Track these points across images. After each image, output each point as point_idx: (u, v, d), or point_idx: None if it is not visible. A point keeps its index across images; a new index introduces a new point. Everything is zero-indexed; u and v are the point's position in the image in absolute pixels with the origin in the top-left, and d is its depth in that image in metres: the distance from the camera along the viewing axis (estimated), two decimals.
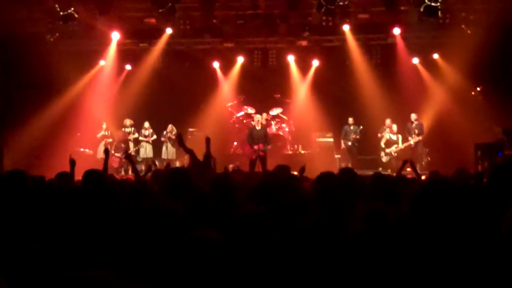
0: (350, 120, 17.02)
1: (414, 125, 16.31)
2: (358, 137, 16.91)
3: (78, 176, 8.32)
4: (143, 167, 17.10)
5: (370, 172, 10.41)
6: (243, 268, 2.67)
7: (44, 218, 3.49)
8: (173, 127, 17.22)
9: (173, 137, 17.09)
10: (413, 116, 16.40)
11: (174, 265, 2.58)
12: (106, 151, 7.85)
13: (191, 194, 4.45)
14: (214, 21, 16.11)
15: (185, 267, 2.56)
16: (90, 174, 4.96)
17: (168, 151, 17.20)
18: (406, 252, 2.61)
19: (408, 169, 10.76)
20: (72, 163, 7.02)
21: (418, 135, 16.15)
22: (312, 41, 17.20)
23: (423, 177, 8.23)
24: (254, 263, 2.72)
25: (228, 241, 2.72)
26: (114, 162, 16.21)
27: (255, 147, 15.12)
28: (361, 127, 16.92)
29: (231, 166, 16.25)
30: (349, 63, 17.54)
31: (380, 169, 15.19)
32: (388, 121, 16.59)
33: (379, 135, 16.81)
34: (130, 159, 9.22)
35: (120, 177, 12.85)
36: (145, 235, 2.90)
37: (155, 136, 17.25)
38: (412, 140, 16.11)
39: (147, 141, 17.17)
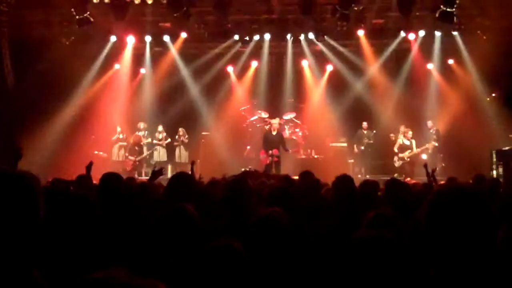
0: (364, 124, 16.98)
1: (431, 131, 16.23)
2: (371, 141, 16.86)
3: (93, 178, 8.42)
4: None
5: (383, 177, 10.39)
6: (264, 276, 2.68)
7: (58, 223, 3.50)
8: (184, 131, 17.25)
9: (186, 140, 17.14)
10: (429, 123, 16.34)
11: (195, 275, 2.58)
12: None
13: (203, 199, 4.46)
14: (229, 25, 16.14)
15: (209, 277, 2.56)
16: (107, 177, 4.98)
17: (181, 155, 17.25)
18: (412, 260, 2.60)
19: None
20: (89, 166, 7.03)
21: (435, 141, 16.04)
22: (326, 46, 17.19)
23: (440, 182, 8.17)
24: (273, 270, 2.73)
25: (247, 248, 2.73)
26: (128, 165, 16.29)
27: (270, 152, 15.11)
28: (374, 131, 16.87)
29: (242, 169, 16.31)
30: (363, 68, 17.51)
31: (396, 175, 15.10)
32: (402, 128, 16.50)
33: (391, 136, 16.72)
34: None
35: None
36: (163, 241, 2.91)
37: (169, 140, 17.29)
38: (428, 145, 16.01)
39: (160, 145, 17.21)
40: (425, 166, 8.03)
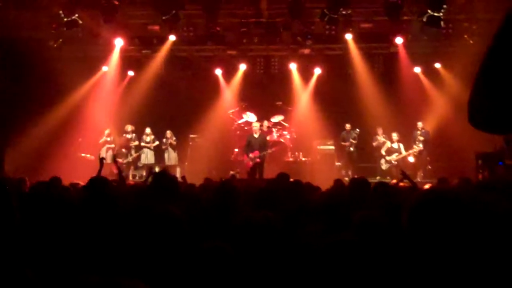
0: (347, 126, 16.99)
1: (420, 133, 16.30)
2: (355, 141, 16.86)
3: (79, 180, 8.43)
4: (143, 173, 17.18)
5: (371, 180, 10.44)
6: (252, 278, 2.69)
7: (46, 225, 3.50)
8: (172, 133, 17.23)
9: (174, 142, 17.13)
10: (419, 124, 16.41)
11: (184, 276, 2.59)
12: (114, 159, 7.92)
13: (190, 200, 4.47)
14: (218, 28, 16.15)
15: (197, 278, 2.57)
16: (95, 181, 4.96)
17: (170, 157, 17.23)
18: (394, 262, 2.62)
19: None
20: (101, 162, 7.22)
21: (423, 143, 16.10)
22: (314, 49, 17.25)
23: (426, 186, 8.22)
24: (262, 271, 2.74)
25: (236, 250, 2.74)
26: (115, 168, 16.22)
27: (251, 155, 15.14)
28: (357, 130, 16.85)
29: (231, 172, 16.31)
30: (351, 72, 17.60)
31: (378, 177, 15.20)
32: (379, 130, 16.63)
33: (374, 144, 16.81)
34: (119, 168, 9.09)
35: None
36: (150, 243, 2.91)
37: (157, 142, 17.25)
38: (415, 149, 16.08)
39: (148, 147, 17.16)
40: (403, 174, 8.05)
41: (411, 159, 16.21)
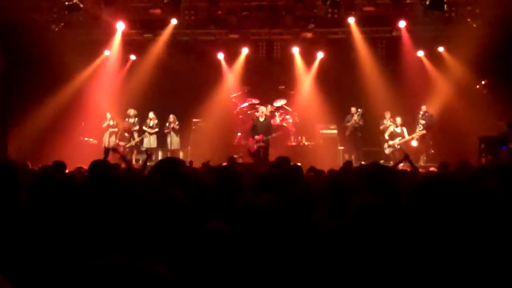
0: (353, 109, 16.94)
1: (423, 116, 16.23)
2: (361, 122, 16.81)
3: (83, 164, 8.46)
4: (145, 157, 17.21)
5: None
6: (253, 262, 2.70)
7: (50, 209, 3.51)
8: (175, 118, 17.22)
9: (177, 127, 17.12)
10: (423, 108, 16.35)
11: (185, 258, 2.61)
12: (106, 152, 7.93)
13: (193, 184, 4.46)
14: (219, 12, 16.07)
15: (197, 261, 2.59)
16: (96, 165, 4.95)
17: (173, 141, 17.24)
18: (391, 247, 2.63)
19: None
20: (106, 152, 7.26)
21: (426, 126, 16.05)
22: (317, 33, 17.17)
23: (431, 169, 8.22)
24: (263, 256, 2.75)
25: (237, 233, 2.75)
26: (118, 153, 16.24)
27: (256, 137, 15.19)
28: (359, 110, 16.79)
29: (235, 156, 16.33)
30: (354, 55, 17.50)
31: (382, 161, 15.15)
32: (387, 114, 16.57)
33: (381, 127, 16.75)
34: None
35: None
36: (152, 226, 2.93)
37: (157, 129, 17.22)
38: (418, 133, 16.03)
39: (153, 133, 17.14)
40: (406, 157, 8.01)
41: (414, 143, 16.17)
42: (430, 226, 2.20)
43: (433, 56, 17.18)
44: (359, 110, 16.77)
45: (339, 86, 17.38)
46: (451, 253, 2.13)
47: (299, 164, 7.18)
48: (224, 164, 7.88)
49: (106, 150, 7.88)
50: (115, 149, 11.85)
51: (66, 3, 14.73)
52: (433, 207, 2.20)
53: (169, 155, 16.78)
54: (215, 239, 2.64)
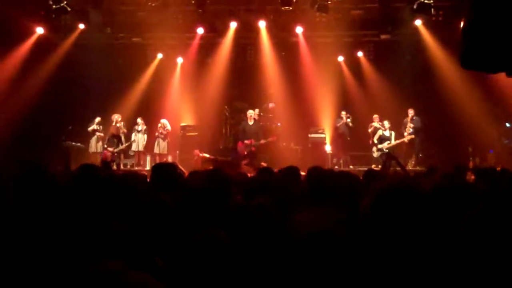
0: (343, 113, 16.94)
1: (410, 120, 16.22)
2: (351, 124, 16.85)
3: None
4: (134, 162, 17.15)
5: (362, 168, 10.46)
6: (247, 267, 2.68)
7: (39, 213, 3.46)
8: (163, 122, 17.12)
9: (165, 132, 17.04)
10: (411, 112, 16.29)
11: (179, 264, 2.58)
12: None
13: (182, 189, 4.44)
14: (207, 16, 16.06)
15: (193, 267, 2.56)
16: (84, 168, 4.93)
17: (160, 146, 17.13)
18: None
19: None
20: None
21: (415, 130, 16.01)
22: (305, 37, 17.19)
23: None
24: (257, 261, 2.72)
25: (232, 238, 2.72)
26: (106, 156, 16.14)
27: (247, 142, 15.15)
28: (349, 118, 16.85)
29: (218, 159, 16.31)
30: (344, 59, 17.61)
31: (373, 166, 15.16)
32: (375, 116, 16.57)
33: (369, 130, 16.74)
34: None
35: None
36: (142, 230, 2.90)
37: (144, 136, 17.15)
38: (406, 138, 16.00)
39: (135, 135, 17.04)
40: (394, 158, 8.05)
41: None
42: (388, 236, 2.18)
43: (421, 59, 17.13)
44: (348, 116, 16.79)
45: (327, 89, 17.38)
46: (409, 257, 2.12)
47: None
48: (211, 168, 7.86)
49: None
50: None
51: (54, 6, 14.64)
52: (389, 216, 2.18)
53: (157, 159, 16.72)
54: (213, 245, 2.62)
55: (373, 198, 2.28)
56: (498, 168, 8.03)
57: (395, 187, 2.30)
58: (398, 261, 2.13)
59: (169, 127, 17.05)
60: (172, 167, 4.88)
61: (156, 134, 17.10)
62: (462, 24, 1.84)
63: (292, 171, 6.16)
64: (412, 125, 16.08)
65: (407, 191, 2.25)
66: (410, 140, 16.03)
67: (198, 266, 2.58)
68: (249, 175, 7.13)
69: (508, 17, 1.70)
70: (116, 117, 16.69)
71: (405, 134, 16.05)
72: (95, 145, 16.74)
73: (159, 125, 17.05)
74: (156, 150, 17.10)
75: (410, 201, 2.20)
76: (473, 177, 6.98)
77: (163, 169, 4.69)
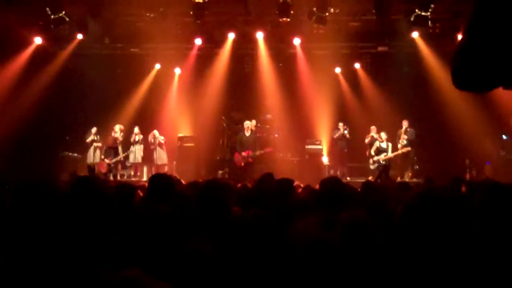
0: (340, 125, 16.96)
1: (405, 132, 16.21)
2: (348, 136, 16.83)
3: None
4: (132, 172, 17.11)
5: (361, 180, 10.46)
6: (243, 277, 2.68)
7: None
8: (158, 133, 17.10)
9: (162, 142, 17.03)
10: (405, 123, 16.29)
11: (168, 274, 2.58)
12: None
13: (178, 199, 4.44)
14: (205, 26, 16.11)
15: (179, 279, 2.56)
16: (80, 180, 4.89)
17: (159, 156, 17.11)
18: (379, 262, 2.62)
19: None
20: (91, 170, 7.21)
21: (408, 141, 15.99)
22: (303, 48, 17.25)
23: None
24: (251, 270, 2.72)
25: (222, 250, 2.73)
26: (103, 167, 16.12)
27: (244, 153, 15.14)
28: (346, 129, 16.90)
29: (220, 172, 16.29)
30: (341, 70, 17.69)
31: (370, 177, 15.15)
32: (373, 129, 16.57)
33: (366, 141, 16.75)
34: None
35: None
36: (136, 241, 2.90)
37: (138, 146, 17.12)
38: (400, 150, 15.96)
39: (133, 145, 17.01)
40: (384, 171, 8.07)
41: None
42: (423, 241, 2.19)
43: (419, 71, 17.18)
44: (346, 128, 16.81)
45: (324, 101, 17.42)
46: (444, 267, 2.13)
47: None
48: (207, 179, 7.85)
49: (90, 167, 7.84)
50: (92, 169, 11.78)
51: (52, 16, 14.68)
52: (425, 221, 2.19)
53: (153, 170, 16.69)
54: (196, 259, 2.62)
55: (407, 204, 2.30)
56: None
57: (428, 194, 2.33)
58: (426, 263, 2.14)
59: (160, 138, 17.01)
60: (168, 177, 4.89)
61: (152, 147, 17.06)
62: (456, 46, 1.80)
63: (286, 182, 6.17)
64: (406, 137, 16.04)
65: (441, 198, 2.28)
66: (406, 152, 16.00)
67: (183, 279, 2.58)
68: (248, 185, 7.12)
69: (503, 29, 1.71)
70: (118, 127, 16.68)
71: (399, 146, 16.02)
72: (93, 156, 16.72)
73: (155, 135, 17.01)
74: (155, 161, 17.07)
75: (442, 207, 2.23)
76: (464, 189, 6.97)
77: (160, 180, 4.69)
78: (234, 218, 3.11)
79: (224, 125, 17.32)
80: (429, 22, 14.84)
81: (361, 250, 2.79)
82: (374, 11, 14.87)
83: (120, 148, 16.82)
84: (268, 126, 17.26)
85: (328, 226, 3.23)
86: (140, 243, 2.90)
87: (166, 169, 16.75)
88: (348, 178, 16.14)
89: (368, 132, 16.71)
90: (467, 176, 15.17)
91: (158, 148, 17.07)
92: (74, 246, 2.75)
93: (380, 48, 17.07)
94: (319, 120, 17.41)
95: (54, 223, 2.85)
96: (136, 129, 17.09)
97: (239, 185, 7.31)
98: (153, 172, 16.50)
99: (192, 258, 2.63)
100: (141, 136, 17.10)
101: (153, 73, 18.37)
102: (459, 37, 15.41)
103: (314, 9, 14.70)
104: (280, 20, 15.39)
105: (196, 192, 4.24)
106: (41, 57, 16.16)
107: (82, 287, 1.76)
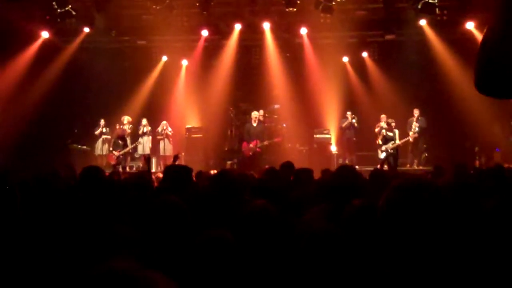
0: (348, 113, 16.92)
1: (416, 120, 16.17)
2: (356, 124, 16.82)
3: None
4: (140, 164, 17.11)
5: (370, 168, 10.43)
6: (253, 268, 2.69)
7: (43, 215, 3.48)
8: (167, 124, 17.11)
9: (170, 133, 17.05)
10: (416, 112, 16.27)
11: (186, 265, 2.59)
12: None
13: (192, 191, 4.46)
14: (212, 18, 16.09)
15: (198, 268, 2.57)
16: (87, 170, 4.91)
17: (166, 148, 17.14)
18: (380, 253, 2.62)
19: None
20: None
21: (420, 129, 15.96)
22: (309, 38, 17.19)
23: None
24: (264, 262, 2.73)
25: (239, 240, 2.74)
26: (112, 159, 16.17)
27: (251, 144, 15.15)
28: (348, 115, 16.89)
29: (228, 163, 16.29)
30: (348, 60, 17.62)
31: (379, 166, 15.10)
32: (383, 116, 16.47)
33: (376, 130, 16.66)
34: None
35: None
36: (151, 232, 2.91)
37: (147, 138, 17.16)
38: (410, 137, 15.96)
39: (141, 137, 17.05)
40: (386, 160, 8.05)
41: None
42: (405, 232, 2.18)
43: (427, 59, 17.10)
44: (354, 116, 16.77)
45: (332, 90, 17.39)
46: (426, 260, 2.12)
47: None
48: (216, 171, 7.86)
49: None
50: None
51: (59, 10, 14.69)
52: (407, 212, 2.18)
53: (162, 162, 16.72)
54: (218, 247, 2.63)
55: (390, 193, 2.28)
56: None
57: (412, 183, 2.30)
58: (413, 255, 2.13)
59: (168, 129, 17.05)
60: (185, 169, 4.92)
61: (159, 137, 17.08)
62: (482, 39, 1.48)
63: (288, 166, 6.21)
64: (417, 125, 16.04)
65: (424, 186, 2.25)
66: (415, 140, 15.97)
67: (204, 266, 2.59)
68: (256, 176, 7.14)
69: None
70: (126, 119, 16.72)
71: (410, 133, 16.00)
72: (101, 148, 16.78)
73: (163, 126, 17.02)
74: (162, 152, 17.10)
75: (426, 196, 2.20)
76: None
77: (176, 171, 4.72)
78: (244, 209, 3.12)
79: (232, 115, 17.31)
80: (437, 10, 14.75)
81: (364, 240, 2.79)
82: None
83: (128, 140, 16.86)
84: (276, 116, 17.20)
85: (334, 216, 3.23)
86: (154, 233, 2.92)
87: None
88: (357, 167, 16.08)
89: (378, 120, 16.61)
90: (477, 163, 15.12)
91: (165, 139, 17.09)
92: (80, 237, 2.77)
93: (387, 37, 16.94)
94: (327, 109, 17.37)
95: (59, 215, 2.88)
96: (144, 121, 17.13)
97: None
98: (161, 163, 16.60)
99: (215, 246, 2.64)
100: (149, 128, 17.13)
101: (160, 65, 18.38)
102: (467, 24, 15.34)
103: None
104: (287, 10, 15.36)
105: (209, 182, 4.26)
106: (48, 51, 16.18)
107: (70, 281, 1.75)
